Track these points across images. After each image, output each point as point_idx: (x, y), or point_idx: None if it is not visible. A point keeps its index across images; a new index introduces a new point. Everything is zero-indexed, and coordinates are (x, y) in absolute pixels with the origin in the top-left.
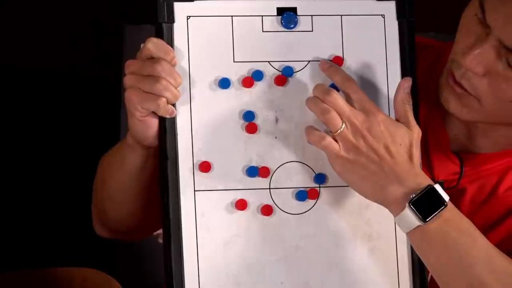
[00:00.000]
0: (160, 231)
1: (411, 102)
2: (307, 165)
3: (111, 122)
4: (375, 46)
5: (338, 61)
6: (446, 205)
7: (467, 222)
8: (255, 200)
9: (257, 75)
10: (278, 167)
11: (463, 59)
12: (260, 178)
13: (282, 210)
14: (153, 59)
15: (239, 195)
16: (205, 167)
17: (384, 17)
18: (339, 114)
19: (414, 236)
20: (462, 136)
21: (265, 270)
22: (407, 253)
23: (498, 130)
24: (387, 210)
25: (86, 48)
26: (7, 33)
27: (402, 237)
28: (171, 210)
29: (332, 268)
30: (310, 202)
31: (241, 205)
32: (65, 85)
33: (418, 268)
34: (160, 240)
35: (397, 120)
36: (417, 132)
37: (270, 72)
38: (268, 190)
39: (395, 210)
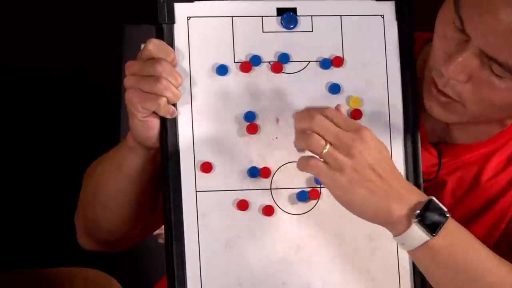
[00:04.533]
0: (160, 231)
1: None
2: None
3: (111, 123)
4: (375, 46)
5: (338, 61)
6: (448, 216)
7: (467, 232)
8: (256, 200)
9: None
10: (279, 167)
11: (445, 68)
12: (261, 179)
13: (283, 211)
14: (153, 59)
15: (240, 196)
16: (206, 167)
17: (383, 17)
18: (326, 135)
19: (420, 253)
20: (439, 128)
21: (267, 270)
22: (408, 253)
23: (477, 125)
24: None
25: (86, 48)
26: (6, 34)
27: None
28: (173, 211)
29: (333, 268)
30: (311, 202)
31: (242, 205)
32: (65, 85)
33: (419, 269)
34: (161, 240)
35: None
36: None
37: (269, 72)
38: (269, 190)
39: (400, 228)
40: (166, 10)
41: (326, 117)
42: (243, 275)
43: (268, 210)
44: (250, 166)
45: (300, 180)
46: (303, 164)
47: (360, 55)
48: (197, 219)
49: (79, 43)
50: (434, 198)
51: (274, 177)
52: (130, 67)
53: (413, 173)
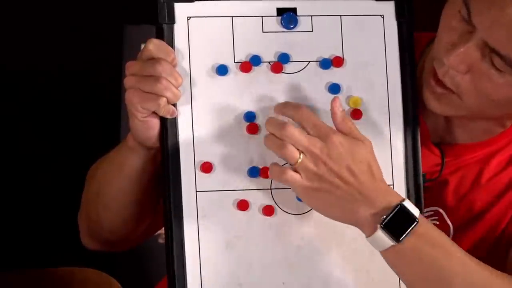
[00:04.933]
0: (160, 231)
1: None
2: None
3: (111, 123)
4: (375, 46)
5: (338, 61)
6: (418, 221)
7: (440, 234)
8: (256, 200)
9: (255, 61)
10: None
11: (446, 57)
12: (262, 179)
13: (284, 211)
14: (153, 60)
15: (240, 196)
16: (206, 167)
17: (383, 17)
18: (296, 145)
19: (388, 255)
20: (441, 127)
21: (267, 270)
22: None
23: (476, 122)
24: None
25: (86, 48)
26: (6, 34)
27: None
28: (173, 211)
29: (333, 268)
30: None
31: (242, 205)
32: (65, 85)
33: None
34: (161, 241)
35: None
36: (369, 144)
37: (269, 72)
38: (270, 190)
39: (367, 231)
40: (166, 10)
41: (299, 120)
42: (243, 275)
43: (268, 210)
44: (250, 166)
45: None
46: (277, 175)
47: (360, 55)
48: (197, 219)
49: (79, 43)
50: (405, 202)
51: None
52: (130, 67)
53: (413, 173)
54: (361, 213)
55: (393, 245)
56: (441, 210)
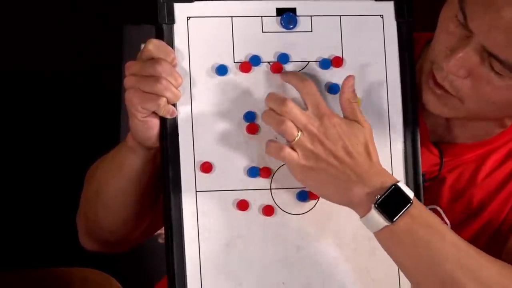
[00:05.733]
0: (160, 231)
1: (356, 99)
2: None
3: (111, 123)
4: (374, 46)
5: (337, 61)
6: (412, 202)
7: (434, 217)
8: (256, 200)
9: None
10: (279, 167)
11: (445, 62)
12: (261, 179)
13: (283, 211)
14: (153, 60)
15: (240, 196)
16: (206, 167)
17: (382, 17)
18: (295, 123)
19: (382, 236)
20: (440, 127)
21: (267, 270)
22: None
23: (476, 123)
24: None
25: (86, 48)
26: (6, 34)
27: None
28: (173, 211)
29: (333, 268)
30: (311, 202)
31: (242, 205)
32: (64, 86)
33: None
34: (161, 240)
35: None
36: (368, 127)
37: (269, 72)
38: (269, 190)
39: (361, 211)
40: (166, 10)
41: (302, 91)
42: (243, 275)
43: (268, 210)
44: (250, 166)
45: None
46: (274, 152)
47: (359, 55)
48: (197, 219)
49: (79, 43)
50: (400, 183)
51: (274, 177)
52: (130, 67)
53: (413, 173)
54: (355, 193)
55: (386, 226)
56: (438, 208)
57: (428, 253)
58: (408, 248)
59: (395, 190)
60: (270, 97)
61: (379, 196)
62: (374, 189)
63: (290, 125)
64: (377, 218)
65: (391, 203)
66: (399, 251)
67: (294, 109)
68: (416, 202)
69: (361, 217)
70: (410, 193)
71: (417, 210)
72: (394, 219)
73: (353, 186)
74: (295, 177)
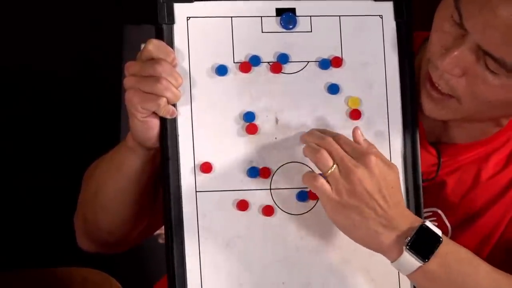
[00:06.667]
0: (160, 231)
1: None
2: (308, 166)
3: (111, 123)
4: (374, 46)
5: (337, 61)
6: (442, 240)
7: (465, 251)
8: (256, 200)
9: (254, 61)
10: (279, 167)
11: (440, 61)
12: (261, 179)
13: (283, 211)
14: (153, 60)
15: (240, 196)
16: (206, 168)
17: (382, 18)
18: (332, 155)
19: (417, 277)
20: (437, 127)
21: (267, 270)
22: None
23: (473, 123)
24: None
25: (86, 48)
26: (6, 34)
27: None
28: (173, 211)
29: (332, 268)
30: (311, 202)
31: (242, 205)
32: (64, 86)
33: None
34: (161, 240)
35: None
36: (396, 169)
37: (269, 72)
38: (269, 190)
39: (392, 256)
40: (165, 11)
41: (336, 140)
42: (243, 275)
43: (268, 210)
44: (249, 166)
45: (300, 180)
46: (308, 181)
47: (359, 55)
48: (197, 219)
49: (79, 43)
50: (427, 223)
51: (273, 177)
52: (130, 67)
53: (412, 174)
54: (385, 237)
55: (420, 266)
56: (439, 211)
57: (464, 286)
58: (444, 284)
59: (424, 229)
60: (310, 132)
61: (409, 238)
62: (402, 232)
63: (325, 155)
64: (410, 260)
65: (422, 243)
66: None
67: (333, 143)
68: (445, 239)
69: (392, 262)
70: (438, 231)
71: (448, 247)
72: (427, 258)
73: (384, 231)
74: (327, 213)
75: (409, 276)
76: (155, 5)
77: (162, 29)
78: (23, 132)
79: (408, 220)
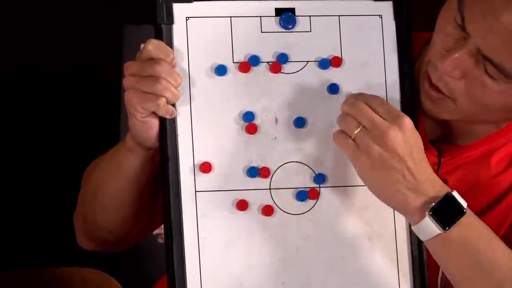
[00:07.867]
0: (160, 231)
1: None
2: (307, 165)
3: (111, 123)
4: (373, 46)
5: (336, 61)
6: (466, 211)
7: (485, 228)
8: (255, 200)
9: (253, 61)
10: (278, 167)
11: (440, 62)
12: (261, 179)
13: (283, 211)
14: (152, 60)
15: (239, 196)
16: (205, 167)
17: (381, 17)
18: (360, 119)
19: (434, 244)
20: (438, 127)
21: (266, 270)
22: (407, 254)
23: (472, 126)
24: (386, 210)
25: (86, 48)
26: (6, 33)
27: (402, 237)
28: (172, 211)
29: (332, 268)
30: (311, 202)
31: (242, 205)
32: (64, 85)
33: (418, 269)
34: (161, 240)
35: None
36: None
37: (268, 72)
38: (269, 190)
39: (415, 219)
40: (165, 11)
41: (370, 103)
42: (243, 275)
43: (267, 210)
44: (249, 166)
45: (299, 180)
46: (337, 138)
47: (358, 55)
48: (196, 219)
49: (79, 43)
50: (454, 193)
51: (273, 177)
52: (130, 67)
53: None
54: (411, 201)
55: (439, 234)
56: None
57: (479, 262)
58: (459, 257)
59: (449, 199)
60: (346, 99)
61: (433, 204)
62: (429, 197)
63: (348, 121)
64: (430, 226)
65: (445, 211)
66: (449, 259)
67: (362, 106)
68: (469, 212)
69: (413, 225)
70: (463, 203)
71: (470, 220)
72: (448, 227)
73: (410, 192)
74: (356, 170)
75: (427, 242)
76: (155, 5)
77: (161, 29)
78: (23, 132)
79: (435, 187)
